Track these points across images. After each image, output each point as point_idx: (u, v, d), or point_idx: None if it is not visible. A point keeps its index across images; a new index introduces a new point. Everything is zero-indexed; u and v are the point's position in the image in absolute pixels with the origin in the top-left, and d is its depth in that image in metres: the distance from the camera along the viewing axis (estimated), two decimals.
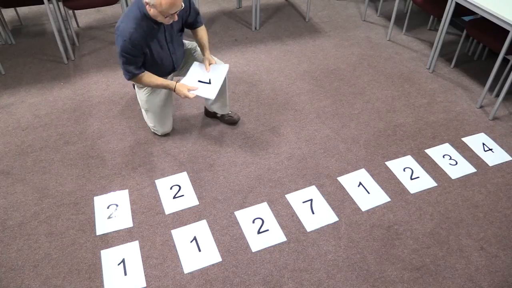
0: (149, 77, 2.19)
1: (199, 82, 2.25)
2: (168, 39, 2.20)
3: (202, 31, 2.34)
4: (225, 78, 2.34)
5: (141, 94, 2.35)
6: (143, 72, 2.17)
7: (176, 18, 2.02)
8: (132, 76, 2.16)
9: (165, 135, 2.54)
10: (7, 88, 2.92)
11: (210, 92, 2.22)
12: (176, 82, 2.23)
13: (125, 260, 1.91)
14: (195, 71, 2.32)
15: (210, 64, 2.31)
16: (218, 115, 2.64)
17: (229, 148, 2.50)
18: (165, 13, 1.95)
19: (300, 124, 2.69)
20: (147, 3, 1.95)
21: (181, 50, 2.37)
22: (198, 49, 2.44)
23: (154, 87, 2.29)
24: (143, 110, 2.48)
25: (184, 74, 2.32)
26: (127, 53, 2.05)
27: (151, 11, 1.97)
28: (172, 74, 2.47)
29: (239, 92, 2.94)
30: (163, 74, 2.31)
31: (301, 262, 1.93)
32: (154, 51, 2.16)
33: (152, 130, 2.54)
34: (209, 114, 2.69)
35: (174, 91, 2.22)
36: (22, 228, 2.04)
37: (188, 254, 1.94)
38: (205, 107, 2.68)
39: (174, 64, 2.33)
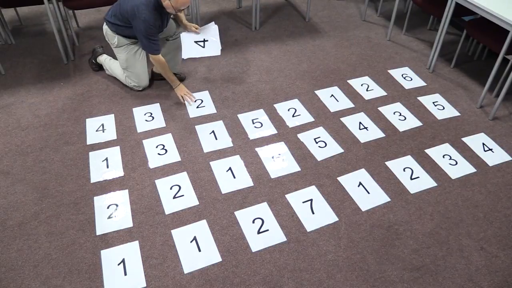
0: (164, 63, 2.66)
1: (196, 44, 2.56)
2: (165, 24, 2.64)
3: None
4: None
5: (122, 55, 2.70)
6: (121, 34, 2.63)
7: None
8: (158, 52, 2.59)
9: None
10: (7, 88, 2.92)
11: (213, 50, 2.51)
12: (180, 83, 2.75)
13: (125, 260, 1.91)
14: (186, 37, 2.65)
15: (194, 27, 2.72)
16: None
17: (229, 148, 2.50)
18: (177, 8, 2.42)
19: (300, 124, 2.69)
20: None
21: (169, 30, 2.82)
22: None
23: (163, 72, 2.70)
24: (122, 72, 2.82)
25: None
26: (153, 35, 2.50)
27: (165, 3, 2.40)
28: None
29: (239, 92, 2.94)
30: None
31: (301, 262, 1.93)
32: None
33: (133, 87, 2.87)
34: (156, 76, 2.99)
35: (175, 88, 2.74)
36: (22, 228, 2.04)
37: (188, 254, 1.94)
38: (152, 70, 2.97)
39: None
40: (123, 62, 2.73)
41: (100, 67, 3.06)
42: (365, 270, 1.90)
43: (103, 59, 2.98)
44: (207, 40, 2.47)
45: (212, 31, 2.59)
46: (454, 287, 1.85)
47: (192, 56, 2.71)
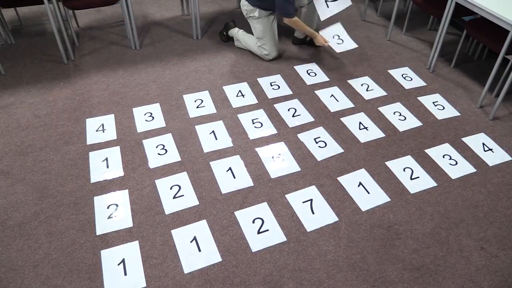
0: (299, 20, 3.01)
1: (328, 2, 2.97)
2: None
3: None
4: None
5: (260, 25, 3.07)
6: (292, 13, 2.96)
7: None
8: (293, 16, 2.92)
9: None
10: (7, 88, 2.92)
11: (344, 2, 2.99)
12: (318, 34, 3.08)
13: (125, 260, 1.91)
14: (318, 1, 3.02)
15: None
16: (308, 39, 3.38)
17: (228, 148, 2.50)
18: None
19: (300, 124, 2.69)
20: None
21: None
22: None
23: (302, 29, 3.06)
24: (255, 43, 3.19)
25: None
26: None
27: None
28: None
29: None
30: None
31: (301, 262, 1.93)
32: None
33: (264, 57, 3.23)
34: (297, 41, 3.46)
35: (314, 39, 3.11)
36: (22, 228, 2.04)
37: (188, 254, 1.94)
38: (294, 37, 3.46)
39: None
40: (259, 32, 3.10)
41: (229, 39, 3.45)
42: (365, 270, 1.90)
43: (236, 32, 3.34)
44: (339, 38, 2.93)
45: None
46: (454, 287, 1.85)
47: (329, 16, 3.00)
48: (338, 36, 3.03)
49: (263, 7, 3.00)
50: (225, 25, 3.44)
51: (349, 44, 3.03)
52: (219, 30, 3.54)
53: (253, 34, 3.20)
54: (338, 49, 3.03)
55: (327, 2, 2.93)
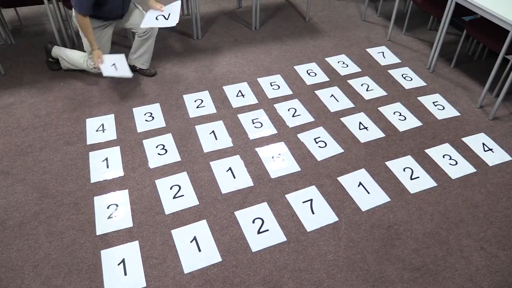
0: (89, 24, 2.57)
1: (156, 17, 2.72)
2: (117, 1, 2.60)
3: None
4: (156, 30, 2.91)
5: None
6: (89, 14, 2.54)
7: None
8: (82, 11, 2.48)
9: None
10: (7, 88, 2.92)
11: (170, 22, 2.69)
12: (98, 48, 2.67)
13: (125, 260, 1.91)
14: (151, 13, 2.75)
15: (159, 6, 2.74)
16: (137, 69, 3.05)
17: (228, 148, 2.50)
18: None
19: (300, 124, 2.69)
20: None
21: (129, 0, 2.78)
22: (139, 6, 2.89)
23: (84, 33, 2.62)
24: (81, 56, 2.86)
25: (123, 26, 2.85)
26: None
27: None
28: (115, 22, 2.80)
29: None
30: (111, 17, 2.71)
31: (301, 262, 1.93)
32: None
33: (91, 70, 2.88)
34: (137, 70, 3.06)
35: (91, 52, 2.68)
36: (22, 228, 2.04)
37: (188, 254, 1.94)
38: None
39: (123, 9, 2.71)
40: (88, 46, 2.72)
41: (58, 63, 3.02)
42: (365, 270, 1.90)
43: (57, 50, 2.94)
44: (167, 18, 2.72)
45: (174, 7, 2.77)
46: (454, 287, 1.85)
47: (149, 26, 2.78)
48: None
49: (96, 16, 2.64)
50: (45, 50, 3.00)
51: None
52: (218, 30, 3.53)
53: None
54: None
55: (157, 17, 2.73)
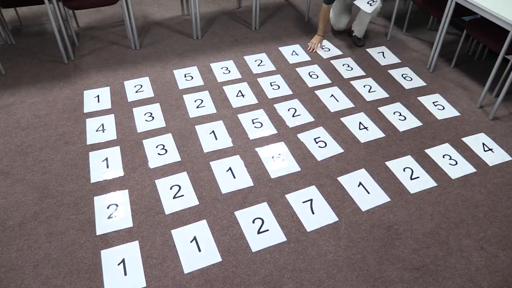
0: (326, 14, 3.31)
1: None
2: None
3: None
4: (370, 14, 3.29)
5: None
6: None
7: None
8: (328, 2, 3.26)
9: None
10: (7, 88, 2.92)
11: (367, 8, 3.10)
12: (321, 36, 3.38)
13: (125, 260, 1.91)
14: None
15: None
16: (353, 34, 3.53)
17: (228, 148, 2.50)
18: None
19: (300, 124, 2.69)
20: None
21: None
22: None
23: (321, 18, 3.33)
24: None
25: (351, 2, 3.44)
26: None
27: None
28: None
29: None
30: None
31: (301, 262, 1.93)
32: None
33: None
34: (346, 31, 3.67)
35: (317, 35, 3.41)
36: (22, 228, 2.04)
37: (188, 254, 1.94)
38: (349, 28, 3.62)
39: None
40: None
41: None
42: (365, 270, 1.90)
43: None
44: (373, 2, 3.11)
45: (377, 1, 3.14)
46: (454, 287, 1.85)
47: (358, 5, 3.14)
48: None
49: None
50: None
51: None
52: (218, 30, 3.53)
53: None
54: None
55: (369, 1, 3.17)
